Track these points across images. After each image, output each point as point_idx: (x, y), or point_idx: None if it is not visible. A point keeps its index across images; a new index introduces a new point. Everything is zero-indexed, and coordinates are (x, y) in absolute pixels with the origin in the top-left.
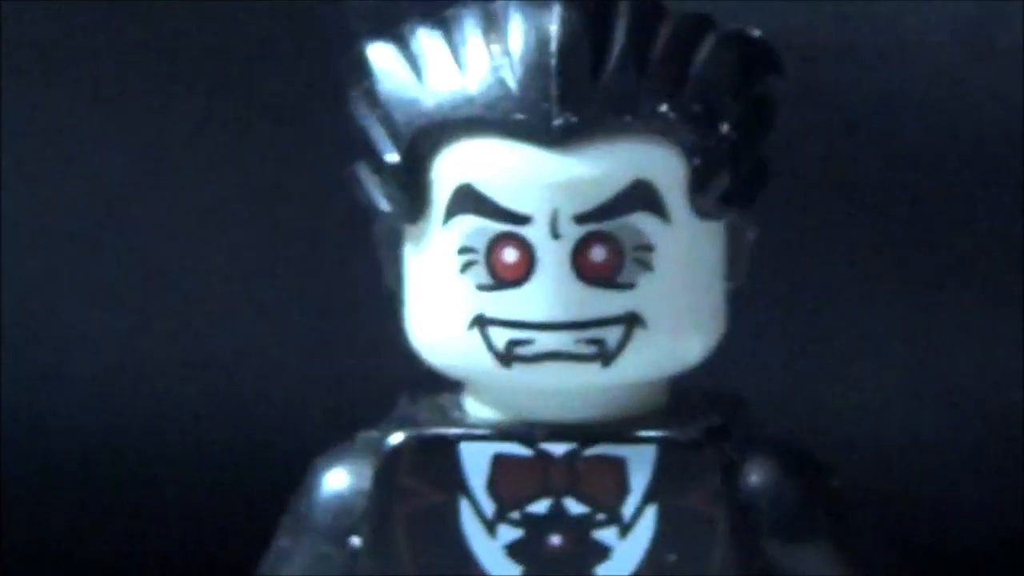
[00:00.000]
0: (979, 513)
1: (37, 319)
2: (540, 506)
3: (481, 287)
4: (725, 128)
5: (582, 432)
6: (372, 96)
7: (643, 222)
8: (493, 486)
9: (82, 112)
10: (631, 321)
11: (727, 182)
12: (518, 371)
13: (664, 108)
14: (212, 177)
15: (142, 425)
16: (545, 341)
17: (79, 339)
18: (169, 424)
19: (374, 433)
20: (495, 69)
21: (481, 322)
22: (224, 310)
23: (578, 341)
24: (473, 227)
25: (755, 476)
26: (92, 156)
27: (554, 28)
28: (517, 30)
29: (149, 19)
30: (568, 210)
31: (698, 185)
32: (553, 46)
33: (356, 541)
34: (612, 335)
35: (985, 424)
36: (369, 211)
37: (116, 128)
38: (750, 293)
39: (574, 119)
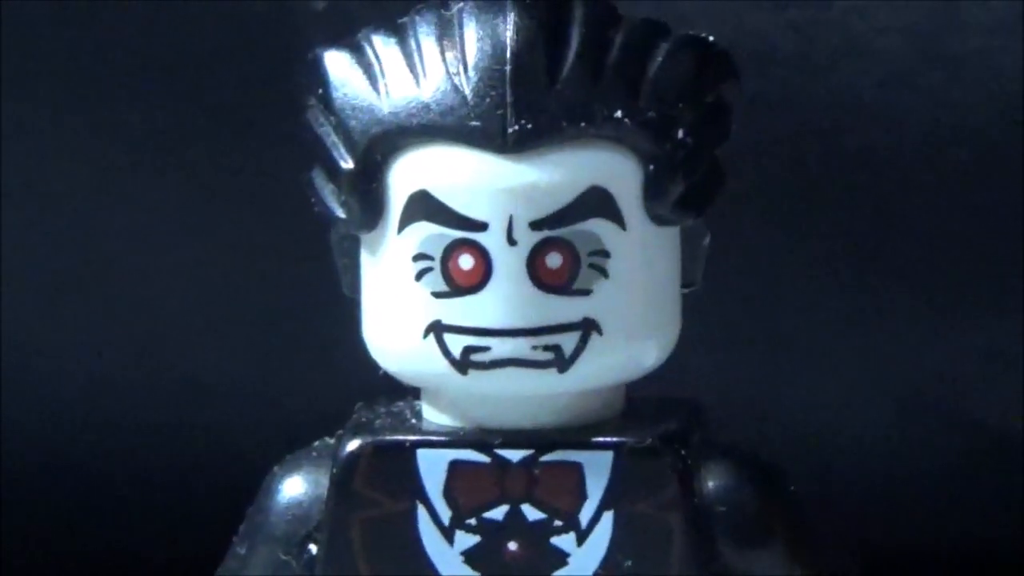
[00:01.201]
0: (935, 514)
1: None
2: (497, 512)
3: (437, 294)
4: (680, 134)
5: (539, 438)
6: (327, 103)
7: (599, 228)
8: (450, 493)
9: (49, 122)
10: (587, 327)
11: (683, 188)
12: (474, 378)
13: (619, 115)
14: (174, 184)
15: (100, 435)
16: (501, 348)
17: (46, 346)
18: (125, 433)
19: (331, 441)
20: (450, 76)
21: (437, 329)
22: (185, 315)
23: (534, 347)
24: (428, 234)
25: (712, 481)
26: (54, 168)
27: (508, 35)
28: (472, 37)
29: (105, 25)
30: (524, 217)
31: (654, 191)
32: (508, 53)
33: (313, 549)
34: (568, 341)
35: (941, 427)
36: (325, 219)
37: (78, 137)
38: (706, 297)
39: (529, 126)
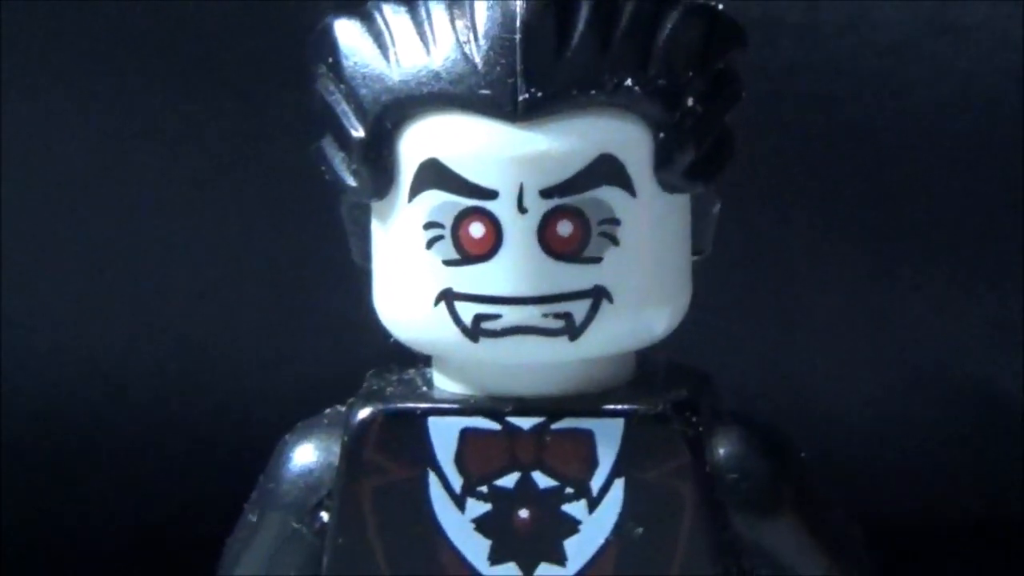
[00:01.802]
0: (940, 484)
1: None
2: (508, 480)
3: (448, 262)
4: (690, 102)
5: (550, 406)
6: (337, 72)
7: (609, 196)
8: (461, 460)
9: (50, 100)
10: (598, 295)
11: (692, 155)
12: (485, 346)
13: (629, 82)
14: (182, 153)
15: (109, 405)
16: (512, 315)
17: (54, 318)
18: (137, 404)
19: (342, 408)
20: (460, 44)
21: (448, 297)
22: (195, 287)
23: (545, 315)
24: (439, 202)
25: (722, 450)
26: (58, 135)
27: (518, 3)
28: (482, 6)
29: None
30: (534, 184)
31: (664, 159)
32: (518, 21)
33: (325, 516)
34: (579, 309)
35: (946, 398)
36: (335, 187)
37: (83, 106)
38: (716, 267)
39: (539, 94)
